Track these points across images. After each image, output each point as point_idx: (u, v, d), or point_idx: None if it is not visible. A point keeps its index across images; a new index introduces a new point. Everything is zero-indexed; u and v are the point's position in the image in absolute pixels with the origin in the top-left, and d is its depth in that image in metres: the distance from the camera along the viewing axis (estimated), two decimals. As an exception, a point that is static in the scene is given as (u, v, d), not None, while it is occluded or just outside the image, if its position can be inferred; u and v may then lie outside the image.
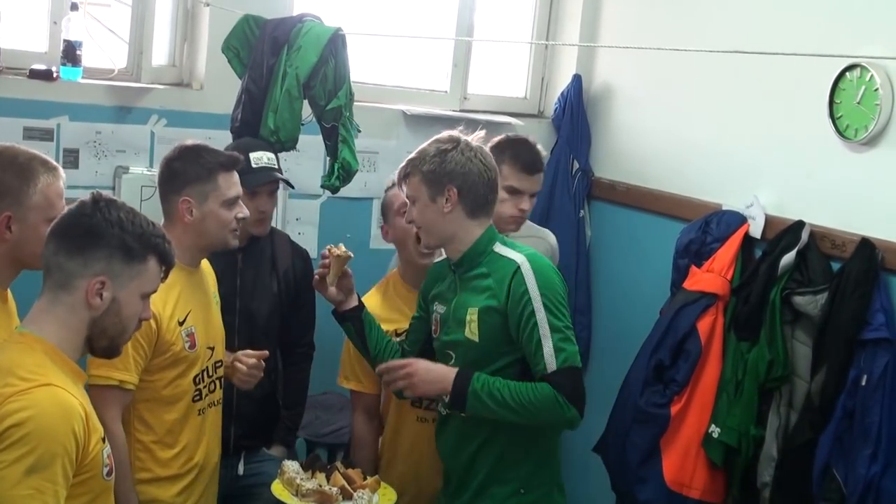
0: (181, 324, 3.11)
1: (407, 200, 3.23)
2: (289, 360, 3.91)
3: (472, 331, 3.16)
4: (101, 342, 2.38)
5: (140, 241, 2.36)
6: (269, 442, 3.85)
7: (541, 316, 3.06)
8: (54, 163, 2.80)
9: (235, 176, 3.22)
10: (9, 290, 2.81)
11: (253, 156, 3.61)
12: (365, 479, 3.43)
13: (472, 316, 3.15)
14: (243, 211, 3.24)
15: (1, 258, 2.70)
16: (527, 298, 3.07)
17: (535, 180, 3.80)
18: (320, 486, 3.33)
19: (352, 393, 3.68)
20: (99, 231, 2.32)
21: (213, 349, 3.26)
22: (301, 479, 3.36)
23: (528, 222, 3.93)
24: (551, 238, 4.11)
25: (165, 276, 2.47)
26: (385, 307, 3.60)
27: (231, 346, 3.50)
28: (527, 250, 3.21)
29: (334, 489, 3.31)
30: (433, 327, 3.33)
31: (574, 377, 3.12)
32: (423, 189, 3.15)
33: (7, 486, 2.11)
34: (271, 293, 3.74)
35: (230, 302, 3.55)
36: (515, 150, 3.78)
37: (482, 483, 3.25)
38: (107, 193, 2.44)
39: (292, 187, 3.87)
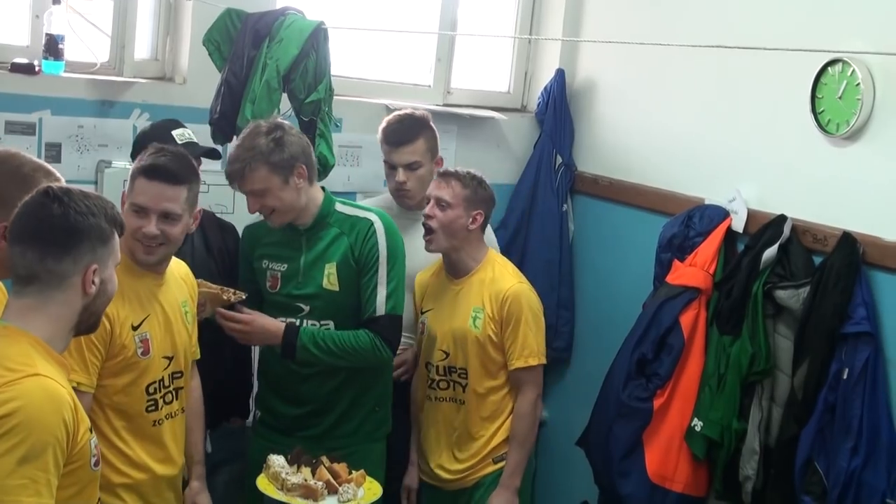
0: (135, 328, 3.06)
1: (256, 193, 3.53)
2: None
3: (331, 282, 3.62)
4: (89, 321, 2.42)
5: (108, 221, 2.39)
6: (228, 416, 3.94)
7: (382, 266, 3.61)
8: (58, 174, 2.77)
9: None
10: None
11: (175, 133, 3.62)
12: (350, 473, 3.46)
13: (330, 269, 3.62)
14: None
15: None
16: (375, 250, 3.61)
17: (401, 153, 4.09)
18: (305, 480, 3.37)
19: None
20: (78, 226, 2.32)
21: (170, 359, 3.19)
22: (286, 473, 3.39)
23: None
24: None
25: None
26: None
27: None
28: (375, 210, 3.76)
29: (319, 483, 3.36)
30: (269, 283, 3.70)
31: (396, 323, 3.65)
32: (274, 177, 3.49)
33: (1, 476, 2.11)
34: (209, 274, 3.70)
35: None
36: (384, 126, 4.15)
37: (345, 409, 3.72)
38: (55, 185, 2.44)
39: (219, 157, 3.81)
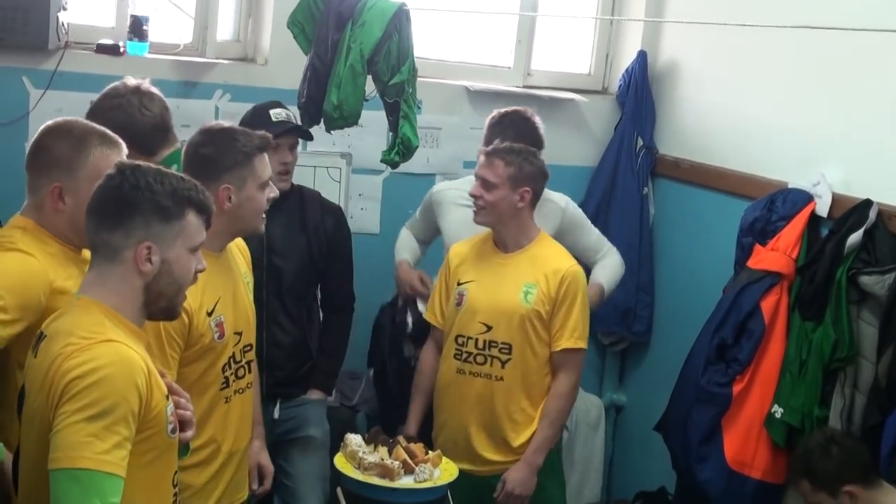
0: (210, 314, 3.06)
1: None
2: (328, 310, 4.03)
3: None
4: (159, 304, 2.39)
5: (173, 199, 2.35)
6: (307, 388, 3.92)
7: None
8: (115, 137, 2.78)
9: (267, 156, 3.18)
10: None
11: (273, 112, 3.72)
12: (427, 453, 3.47)
13: None
14: (274, 191, 3.21)
15: (61, 229, 2.73)
16: None
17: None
18: (382, 459, 3.39)
19: (431, 326, 3.95)
20: (130, 199, 2.31)
21: (240, 334, 3.19)
22: (363, 452, 3.42)
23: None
24: (560, 200, 4.19)
25: (209, 224, 2.46)
26: None
27: (259, 300, 3.57)
28: None
29: (396, 463, 3.37)
30: None
31: None
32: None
33: (69, 434, 2.13)
34: (300, 250, 3.80)
35: (257, 258, 3.60)
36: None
37: None
38: (130, 161, 2.46)
39: (310, 138, 3.89)
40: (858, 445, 3.51)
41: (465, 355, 3.80)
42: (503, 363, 3.75)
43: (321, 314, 4.04)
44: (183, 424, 2.43)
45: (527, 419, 3.79)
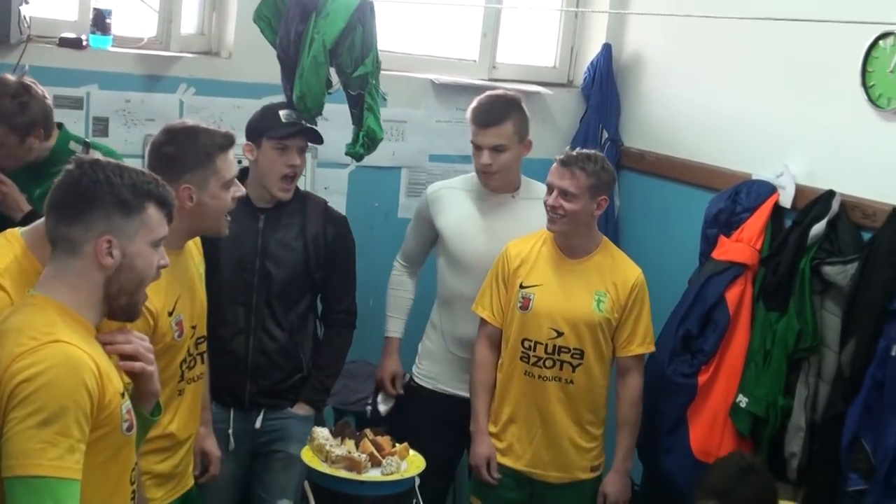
0: (171, 314, 3.07)
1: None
2: (327, 323, 3.97)
3: None
4: (119, 300, 2.38)
5: (133, 192, 2.34)
6: (294, 401, 3.87)
7: None
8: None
9: (232, 155, 3.15)
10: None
11: (282, 112, 3.71)
12: (394, 446, 3.48)
13: None
14: (240, 190, 3.19)
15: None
16: None
17: (487, 134, 3.97)
18: (349, 452, 3.39)
19: (481, 320, 3.97)
20: (90, 193, 2.31)
21: (195, 327, 3.20)
22: (330, 445, 3.42)
23: (529, 182, 4.14)
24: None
25: (170, 219, 2.45)
26: None
27: (249, 306, 3.66)
28: None
29: (363, 456, 3.38)
30: None
31: None
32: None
33: (21, 441, 2.13)
34: (295, 257, 3.76)
35: (250, 261, 3.67)
36: (474, 106, 4.06)
37: None
38: (90, 155, 2.45)
39: (321, 142, 3.85)
40: (772, 482, 3.56)
41: (534, 359, 3.87)
42: (573, 367, 3.85)
43: (322, 329, 4.00)
44: (132, 357, 2.45)
45: (594, 422, 3.96)
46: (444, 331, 4.16)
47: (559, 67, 5.37)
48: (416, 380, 4.23)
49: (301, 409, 3.85)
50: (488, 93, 4.14)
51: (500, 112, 4.01)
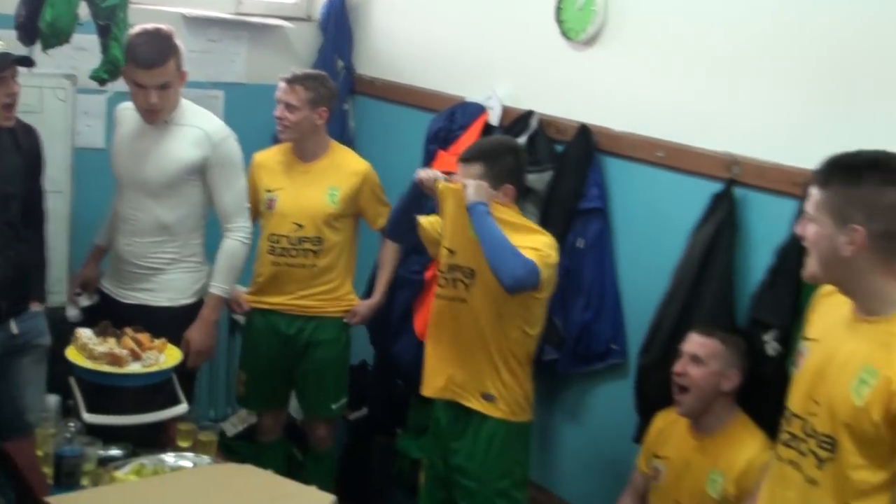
0: None
1: None
2: (29, 225, 3.94)
3: None
4: None
5: None
6: (28, 301, 3.95)
7: None
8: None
9: None
10: None
11: None
12: (152, 341, 3.61)
13: None
14: None
15: None
16: None
17: (153, 74, 3.92)
18: (111, 349, 3.51)
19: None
20: None
21: None
22: (93, 343, 3.54)
23: (188, 109, 4.14)
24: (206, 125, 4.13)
25: None
26: None
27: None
28: None
29: (124, 351, 3.51)
30: None
31: None
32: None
33: None
34: (21, 173, 3.82)
35: None
36: (133, 46, 3.94)
37: None
38: None
39: (32, 65, 3.74)
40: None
41: (278, 251, 4.37)
42: (315, 253, 4.35)
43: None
44: None
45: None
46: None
47: (299, 3, 5.58)
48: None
49: (36, 306, 3.98)
50: (143, 29, 3.99)
51: (164, 51, 3.94)
